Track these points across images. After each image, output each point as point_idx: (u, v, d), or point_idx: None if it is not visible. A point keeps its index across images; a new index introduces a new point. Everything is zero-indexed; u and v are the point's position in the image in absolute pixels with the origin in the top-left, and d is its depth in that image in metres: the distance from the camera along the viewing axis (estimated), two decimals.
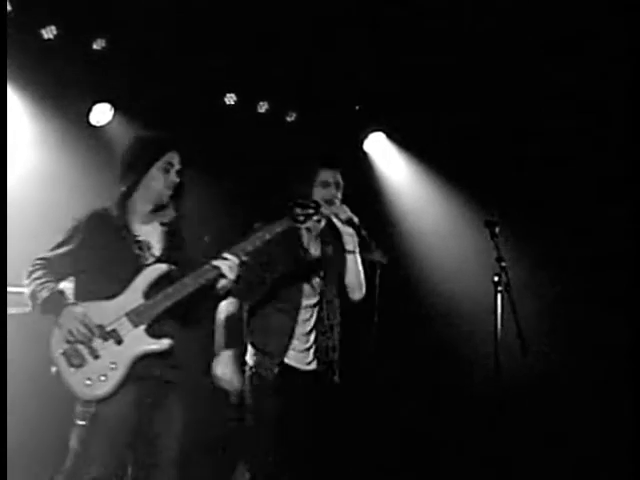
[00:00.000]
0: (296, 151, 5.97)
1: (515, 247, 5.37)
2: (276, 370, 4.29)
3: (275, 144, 6.34)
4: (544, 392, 6.18)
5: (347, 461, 6.03)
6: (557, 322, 6.28)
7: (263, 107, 6.69)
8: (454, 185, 6.83)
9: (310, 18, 5.95)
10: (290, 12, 5.84)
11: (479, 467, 5.80)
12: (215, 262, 3.72)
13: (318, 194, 4.40)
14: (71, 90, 5.83)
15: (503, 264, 4.29)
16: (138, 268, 3.74)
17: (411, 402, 6.58)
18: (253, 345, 4.40)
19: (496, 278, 4.27)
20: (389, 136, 7.05)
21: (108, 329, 3.62)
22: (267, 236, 3.82)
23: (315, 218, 4.02)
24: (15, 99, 5.69)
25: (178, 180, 3.87)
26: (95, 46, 5.77)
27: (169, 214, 3.91)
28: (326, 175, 4.45)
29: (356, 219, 4.36)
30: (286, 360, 4.34)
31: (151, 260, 3.79)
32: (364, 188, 6.95)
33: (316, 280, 4.44)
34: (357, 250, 4.44)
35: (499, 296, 4.26)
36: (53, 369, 3.63)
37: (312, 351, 4.41)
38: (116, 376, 3.60)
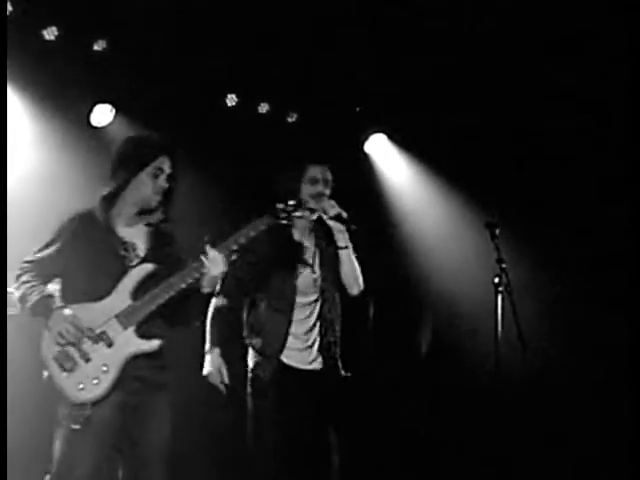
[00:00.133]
0: (296, 152, 5.97)
1: (515, 248, 5.37)
2: (272, 371, 4.28)
3: (276, 145, 6.33)
4: (544, 392, 6.18)
5: (347, 461, 6.02)
6: (557, 322, 6.29)
7: (264, 108, 6.69)
8: (455, 186, 6.83)
9: (310, 18, 5.94)
10: (290, 12, 5.83)
11: (479, 467, 5.81)
12: (200, 259, 3.72)
13: (306, 191, 4.40)
14: (72, 91, 5.82)
15: (503, 265, 4.31)
16: (124, 270, 3.73)
17: (411, 402, 6.59)
18: (251, 346, 4.40)
19: (496, 279, 4.29)
20: (390, 137, 7.05)
21: (98, 331, 3.63)
22: (251, 233, 3.82)
23: (297, 214, 4.01)
24: (15, 99, 5.68)
25: (167, 186, 3.86)
26: (96, 47, 5.77)
27: (156, 216, 3.90)
28: (314, 171, 4.44)
29: (345, 214, 4.35)
30: (285, 360, 4.33)
31: (136, 261, 3.78)
32: (365, 189, 6.97)
33: (313, 277, 4.44)
34: (350, 245, 4.43)
35: (499, 297, 4.28)
36: (45, 373, 3.63)
37: (315, 349, 4.40)
38: (108, 379, 3.61)
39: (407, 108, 6.68)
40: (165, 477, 3.77)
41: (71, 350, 3.59)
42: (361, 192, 6.75)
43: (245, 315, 4.47)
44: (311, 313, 4.42)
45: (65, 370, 3.58)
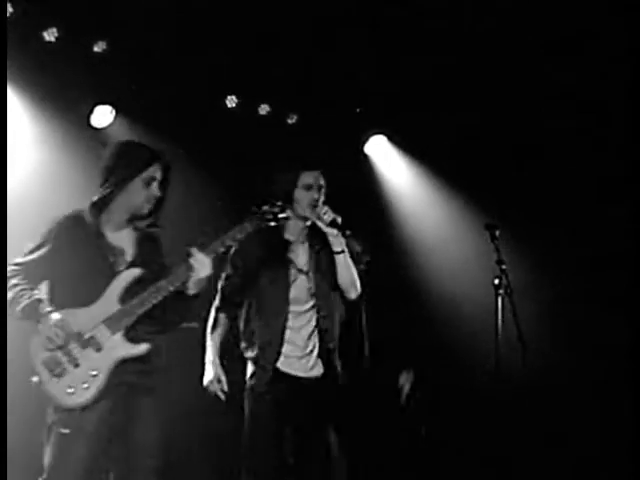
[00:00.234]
0: (296, 154, 5.97)
1: (515, 249, 5.38)
2: (268, 380, 4.28)
3: (275, 146, 6.33)
4: (544, 392, 6.18)
5: (347, 461, 6.03)
6: (557, 322, 6.29)
7: (264, 109, 6.69)
8: (455, 187, 6.84)
9: (310, 18, 5.94)
10: (290, 12, 5.83)
11: (479, 467, 5.82)
12: (187, 262, 3.73)
13: (301, 197, 4.40)
14: (72, 92, 5.82)
15: (503, 267, 4.31)
16: (112, 274, 3.75)
17: (411, 402, 6.59)
18: (247, 357, 4.40)
19: (496, 280, 4.29)
20: (390, 139, 7.06)
21: (87, 336, 3.64)
22: (238, 235, 3.84)
23: (283, 216, 4.01)
24: (15, 100, 5.68)
25: (159, 194, 3.87)
26: (96, 48, 5.77)
27: (144, 222, 3.91)
28: (308, 178, 4.43)
29: (339, 219, 4.35)
30: (284, 369, 4.33)
31: (124, 266, 3.79)
32: (365, 191, 6.97)
33: (308, 284, 4.43)
34: (346, 250, 4.43)
35: (499, 298, 4.28)
36: (34, 379, 3.64)
37: (314, 356, 4.40)
38: (97, 383, 3.62)
39: (407, 109, 6.68)
40: None
41: (60, 355, 3.60)
42: (361, 194, 6.76)
43: (242, 326, 4.47)
44: (308, 321, 4.42)
45: (54, 375, 3.60)
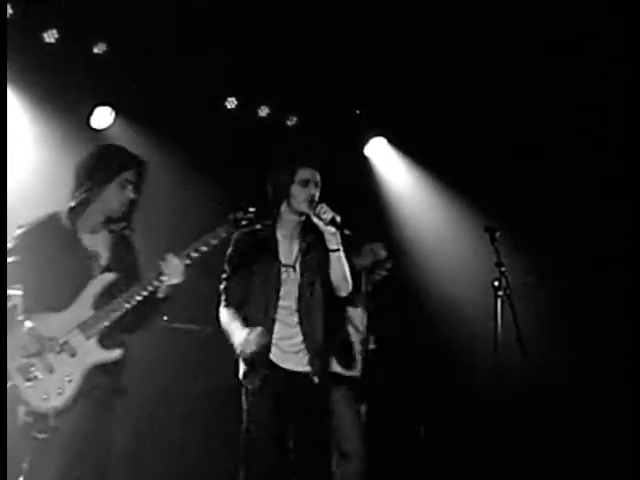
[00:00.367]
0: (296, 155, 5.97)
1: (515, 251, 5.39)
2: (261, 378, 4.28)
3: (275, 148, 6.33)
4: (544, 392, 6.20)
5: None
6: (557, 323, 6.29)
7: (264, 111, 6.69)
8: (454, 189, 6.84)
9: (310, 18, 5.94)
10: (290, 12, 5.82)
11: (479, 467, 5.82)
12: (160, 268, 3.73)
13: (298, 193, 4.40)
14: (72, 93, 5.84)
15: (503, 269, 4.31)
16: (87, 279, 3.75)
17: (412, 403, 6.60)
18: (240, 356, 4.39)
19: (496, 282, 4.29)
20: (390, 141, 7.06)
21: (61, 342, 3.64)
22: (212, 241, 3.83)
23: (258, 226, 4.03)
24: (15, 101, 5.69)
25: (133, 196, 3.88)
26: (96, 50, 5.78)
27: (119, 225, 3.93)
28: (305, 174, 4.43)
29: (338, 218, 4.35)
30: (281, 364, 4.33)
31: (99, 270, 3.80)
32: (365, 192, 6.98)
33: (298, 281, 4.44)
34: (341, 248, 4.43)
35: (499, 300, 4.29)
36: (9, 383, 3.63)
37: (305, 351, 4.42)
38: (71, 388, 3.63)
39: (407, 111, 6.68)
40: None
41: (35, 361, 3.61)
42: (361, 195, 6.77)
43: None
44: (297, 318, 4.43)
45: (29, 380, 3.60)
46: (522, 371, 4.85)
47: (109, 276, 3.76)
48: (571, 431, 6.09)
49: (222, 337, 4.39)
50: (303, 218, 4.46)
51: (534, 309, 5.81)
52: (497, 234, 4.35)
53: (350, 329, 5.64)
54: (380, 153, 7.15)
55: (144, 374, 5.83)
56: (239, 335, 4.23)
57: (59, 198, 5.56)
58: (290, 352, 4.36)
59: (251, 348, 4.18)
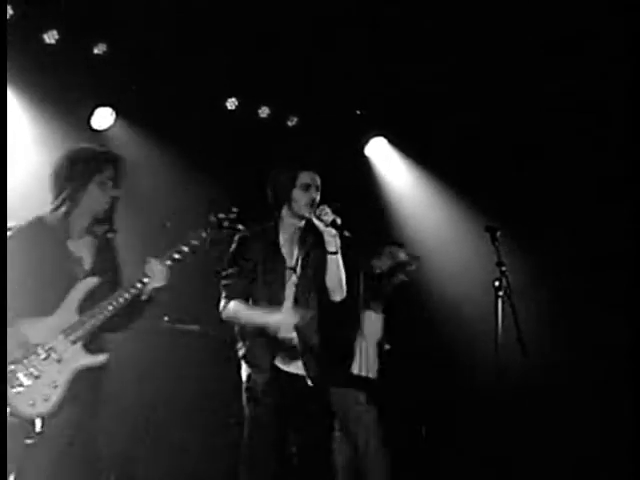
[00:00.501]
0: (296, 156, 5.97)
1: (515, 251, 5.39)
2: (266, 380, 4.28)
3: (275, 148, 6.33)
4: (544, 392, 6.20)
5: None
6: (557, 323, 6.30)
7: (264, 112, 6.69)
8: (455, 189, 6.84)
9: (310, 18, 5.94)
10: (290, 12, 5.82)
11: (479, 467, 5.83)
12: (143, 271, 3.74)
13: (299, 197, 4.42)
14: (72, 94, 5.83)
15: (503, 268, 4.32)
16: (71, 283, 3.74)
17: (412, 403, 6.60)
18: (243, 357, 4.40)
19: (497, 282, 4.30)
20: (390, 141, 7.06)
21: (46, 347, 3.64)
22: (193, 242, 3.84)
23: (240, 227, 4.03)
24: (15, 102, 5.68)
25: (115, 194, 3.88)
26: (96, 50, 5.78)
27: (103, 228, 3.93)
28: (306, 178, 4.45)
29: (339, 220, 4.36)
30: (284, 367, 4.34)
31: (83, 275, 3.79)
32: (365, 193, 6.98)
33: (293, 283, 4.44)
34: (339, 251, 4.43)
35: (499, 300, 4.29)
36: None
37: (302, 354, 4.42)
38: (58, 393, 3.62)
39: (407, 111, 6.68)
40: None
41: (20, 367, 3.60)
42: (361, 195, 6.77)
43: (236, 327, 4.46)
44: None
45: (14, 387, 3.59)
46: (523, 371, 4.86)
47: (93, 280, 3.76)
48: (571, 431, 6.09)
49: (222, 338, 4.39)
50: (303, 222, 4.47)
51: (534, 309, 5.82)
52: (498, 234, 4.37)
53: (364, 332, 5.64)
54: (380, 153, 7.15)
55: (144, 375, 5.86)
56: (273, 316, 4.22)
57: None
58: (290, 356, 4.37)
59: (294, 323, 4.21)
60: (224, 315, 4.36)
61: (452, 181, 6.84)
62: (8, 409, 3.57)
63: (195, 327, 6.22)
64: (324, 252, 4.40)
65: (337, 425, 5.56)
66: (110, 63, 5.82)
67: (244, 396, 4.35)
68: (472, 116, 6.44)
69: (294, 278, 4.43)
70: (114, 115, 6.17)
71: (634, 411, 5.86)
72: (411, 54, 6.16)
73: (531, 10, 5.69)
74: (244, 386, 4.36)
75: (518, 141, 6.45)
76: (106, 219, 3.90)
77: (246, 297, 4.39)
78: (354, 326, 5.58)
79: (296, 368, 4.36)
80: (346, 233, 4.36)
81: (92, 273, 3.80)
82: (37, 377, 3.61)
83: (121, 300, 3.72)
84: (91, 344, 3.71)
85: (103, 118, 6.14)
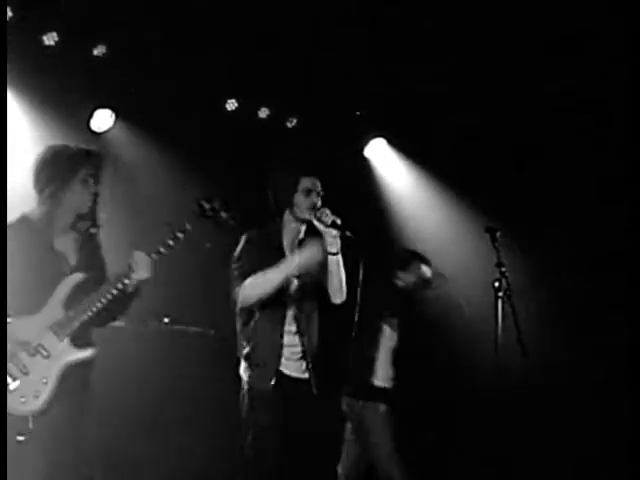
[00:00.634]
0: (296, 156, 5.98)
1: (515, 251, 5.39)
2: (273, 381, 4.29)
3: (275, 149, 6.34)
4: (544, 392, 6.20)
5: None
6: (557, 323, 6.30)
7: (264, 112, 6.69)
8: (455, 190, 6.85)
9: (310, 18, 5.93)
10: (290, 12, 5.82)
11: (479, 467, 5.83)
12: (128, 264, 3.76)
13: (301, 201, 4.43)
14: (72, 96, 5.83)
15: (503, 269, 4.32)
16: (58, 280, 3.76)
17: (412, 404, 6.60)
18: (246, 358, 4.40)
19: (496, 283, 4.30)
20: (390, 142, 7.06)
21: (35, 344, 3.65)
22: (179, 234, 3.86)
23: (223, 215, 4.03)
24: (15, 104, 5.69)
25: (96, 190, 3.89)
26: (95, 52, 5.78)
27: (86, 224, 3.94)
28: (307, 183, 4.47)
29: (339, 221, 4.37)
30: (285, 371, 4.34)
31: (68, 271, 3.81)
32: (365, 193, 6.98)
33: (293, 289, 4.45)
34: (340, 252, 4.44)
35: (499, 300, 4.29)
36: None
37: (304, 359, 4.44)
38: (48, 390, 3.65)
39: (407, 112, 6.69)
40: None
41: (10, 365, 3.62)
42: (361, 196, 6.77)
43: (239, 326, 4.47)
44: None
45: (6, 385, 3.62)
46: (523, 371, 4.86)
47: (78, 276, 3.78)
48: (571, 431, 6.10)
49: (223, 338, 4.40)
50: (305, 226, 4.49)
51: (534, 309, 5.82)
52: (498, 234, 4.37)
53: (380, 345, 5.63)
54: (380, 154, 7.15)
55: (145, 375, 5.86)
56: (291, 260, 4.28)
57: None
58: (292, 359, 4.38)
59: (314, 260, 4.25)
60: (241, 297, 4.34)
61: (452, 182, 6.84)
62: None
63: (196, 329, 6.23)
64: (325, 253, 4.41)
65: (347, 432, 5.59)
66: (110, 65, 5.81)
67: (245, 397, 4.36)
68: (472, 116, 6.45)
69: (295, 281, 4.44)
70: (114, 117, 6.17)
71: (634, 411, 5.87)
72: (411, 54, 6.16)
73: (531, 10, 5.70)
74: (245, 387, 4.37)
75: (518, 141, 6.46)
76: (89, 215, 3.91)
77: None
78: (373, 339, 5.58)
79: (295, 371, 4.37)
80: (347, 233, 4.37)
81: (77, 269, 3.82)
82: (27, 374, 3.63)
83: (108, 295, 3.74)
84: (78, 339, 3.73)
85: (103, 120, 6.13)
